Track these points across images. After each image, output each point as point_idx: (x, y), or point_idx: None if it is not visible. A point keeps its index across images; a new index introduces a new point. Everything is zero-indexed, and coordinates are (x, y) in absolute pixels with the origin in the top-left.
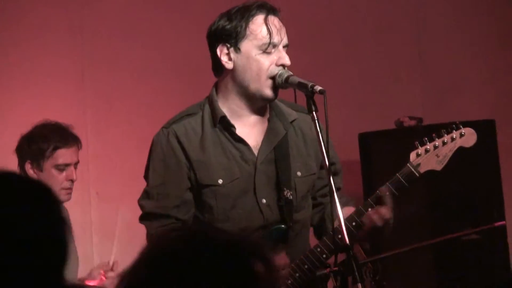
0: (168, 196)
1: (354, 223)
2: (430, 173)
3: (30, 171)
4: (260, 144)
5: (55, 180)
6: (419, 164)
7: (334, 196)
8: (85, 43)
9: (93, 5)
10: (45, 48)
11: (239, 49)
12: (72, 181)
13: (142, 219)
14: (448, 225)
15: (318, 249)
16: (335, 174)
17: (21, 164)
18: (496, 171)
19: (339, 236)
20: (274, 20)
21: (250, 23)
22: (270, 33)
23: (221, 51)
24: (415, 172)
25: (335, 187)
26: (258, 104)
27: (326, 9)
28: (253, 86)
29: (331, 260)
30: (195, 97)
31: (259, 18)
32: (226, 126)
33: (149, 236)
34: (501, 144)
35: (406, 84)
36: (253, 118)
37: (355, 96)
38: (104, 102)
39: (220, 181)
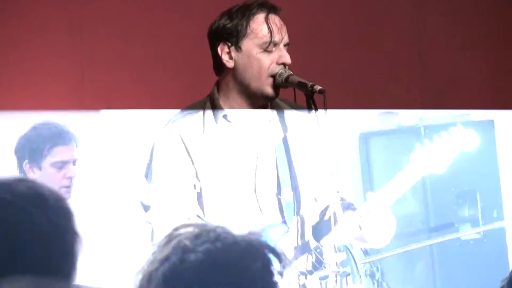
0: (172, 194)
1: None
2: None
3: (28, 171)
4: (261, 144)
5: (54, 178)
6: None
7: (334, 195)
8: (84, 43)
9: (92, 4)
10: (44, 48)
11: (240, 47)
12: (71, 178)
13: (145, 217)
14: (448, 225)
15: (318, 250)
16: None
17: (20, 165)
18: (496, 171)
19: (339, 237)
20: (275, 19)
21: (251, 21)
22: (271, 31)
23: (222, 50)
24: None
25: (335, 188)
26: (259, 103)
27: (326, 9)
28: (254, 85)
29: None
30: (195, 97)
31: (260, 17)
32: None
33: (154, 234)
34: (500, 144)
35: (406, 83)
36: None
37: (355, 95)
38: (104, 102)
39: (221, 180)
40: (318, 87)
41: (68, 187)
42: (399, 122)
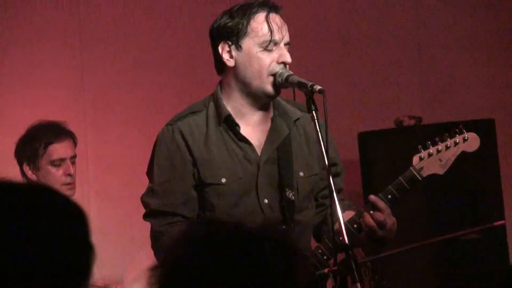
0: (174, 193)
1: (355, 225)
2: (432, 175)
3: (28, 172)
4: (263, 143)
5: (53, 177)
6: (421, 168)
7: (333, 195)
8: (84, 44)
9: (91, 6)
10: (44, 50)
11: (240, 46)
12: (70, 175)
13: (147, 216)
14: (447, 224)
15: (319, 251)
16: (336, 175)
17: (20, 167)
18: (496, 170)
19: (340, 238)
20: (275, 18)
21: (252, 20)
22: (271, 30)
23: (222, 49)
24: (417, 175)
25: (336, 188)
26: (261, 102)
27: (326, 9)
28: (255, 84)
29: (330, 260)
30: (194, 97)
31: (260, 16)
32: (230, 125)
33: (154, 233)
34: (500, 143)
35: (405, 83)
36: (257, 117)
37: (354, 95)
38: (103, 102)
39: (223, 180)
40: (318, 87)
41: (69, 184)
42: (399, 122)
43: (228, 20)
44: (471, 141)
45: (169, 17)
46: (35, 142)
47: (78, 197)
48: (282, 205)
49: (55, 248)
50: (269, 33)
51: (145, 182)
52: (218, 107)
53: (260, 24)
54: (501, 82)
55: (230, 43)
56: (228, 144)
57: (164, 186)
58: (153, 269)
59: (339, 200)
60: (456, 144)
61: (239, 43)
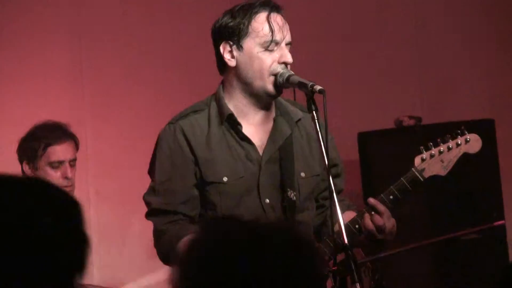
0: (176, 192)
1: (357, 226)
2: (433, 176)
3: (27, 171)
4: (265, 143)
5: (51, 178)
6: (423, 169)
7: (333, 196)
8: (83, 42)
9: (91, 4)
10: (44, 48)
11: (241, 46)
12: (67, 178)
13: (149, 215)
14: (447, 224)
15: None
16: (337, 176)
17: (21, 165)
18: (495, 171)
19: (340, 238)
20: (276, 18)
21: (253, 21)
22: (272, 30)
23: (224, 49)
24: (419, 176)
25: (337, 189)
26: (263, 102)
27: (326, 9)
28: (256, 84)
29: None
30: (194, 96)
31: (261, 16)
32: (232, 124)
33: (156, 232)
34: (500, 143)
35: (405, 83)
36: (259, 116)
37: (354, 95)
38: (103, 100)
39: (225, 179)
40: (318, 87)
41: (66, 187)
42: (398, 122)
43: (230, 20)
44: (473, 143)
45: (170, 17)
46: (35, 142)
47: (78, 197)
48: (283, 205)
49: (49, 239)
50: (270, 33)
51: (145, 182)
52: (220, 106)
53: (261, 24)
54: (501, 82)
55: (231, 43)
56: (230, 143)
57: (165, 185)
58: (173, 268)
59: (339, 201)
60: (458, 145)
61: (240, 43)
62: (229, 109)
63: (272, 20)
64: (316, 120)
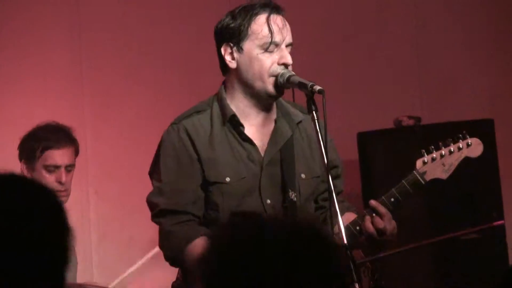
0: (183, 192)
1: (357, 227)
2: (435, 179)
3: (24, 170)
4: (266, 144)
5: (44, 181)
6: (425, 172)
7: (333, 196)
8: (83, 42)
9: (92, 4)
10: (43, 47)
11: (241, 48)
12: (61, 183)
13: (155, 216)
14: (447, 224)
15: None
16: (337, 178)
17: (20, 163)
18: (495, 171)
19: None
20: (276, 19)
21: (253, 22)
22: (271, 32)
23: (225, 50)
24: (421, 179)
25: (336, 190)
26: (264, 103)
27: (326, 9)
28: (256, 85)
29: None
30: (194, 96)
31: (261, 17)
32: (235, 125)
33: (164, 233)
34: (499, 144)
35: (404, 83)
36: (260, 118)
37: (353, 95)
38: (103, 101)
39: (228, 179)
40: (317, 88)
41: (60, 191)
42: (398, 122)
43: (231, 22)
44: (474, 147)
45: (170, 18)
46: (34, 143)
47: (78, 197)
48: (284, 206)
49: (31, 233)
50: (270, 35)
51: (144, 183)
52: (223, 107)
53: (261, 26)
54: (501, 82)
55: (232, 44)
56: (232, 144)
57: (172, 185)
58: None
59: (339, 202)
60: (459, 149)
61: (241, 45)
62: (231, 109)
63: (271, 21)
64: (315, 120)
